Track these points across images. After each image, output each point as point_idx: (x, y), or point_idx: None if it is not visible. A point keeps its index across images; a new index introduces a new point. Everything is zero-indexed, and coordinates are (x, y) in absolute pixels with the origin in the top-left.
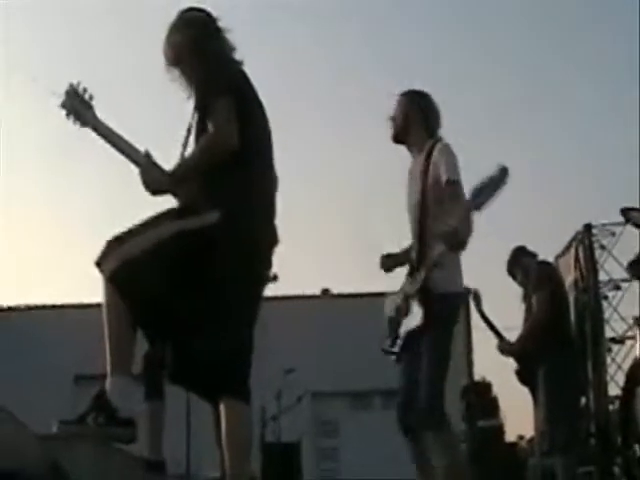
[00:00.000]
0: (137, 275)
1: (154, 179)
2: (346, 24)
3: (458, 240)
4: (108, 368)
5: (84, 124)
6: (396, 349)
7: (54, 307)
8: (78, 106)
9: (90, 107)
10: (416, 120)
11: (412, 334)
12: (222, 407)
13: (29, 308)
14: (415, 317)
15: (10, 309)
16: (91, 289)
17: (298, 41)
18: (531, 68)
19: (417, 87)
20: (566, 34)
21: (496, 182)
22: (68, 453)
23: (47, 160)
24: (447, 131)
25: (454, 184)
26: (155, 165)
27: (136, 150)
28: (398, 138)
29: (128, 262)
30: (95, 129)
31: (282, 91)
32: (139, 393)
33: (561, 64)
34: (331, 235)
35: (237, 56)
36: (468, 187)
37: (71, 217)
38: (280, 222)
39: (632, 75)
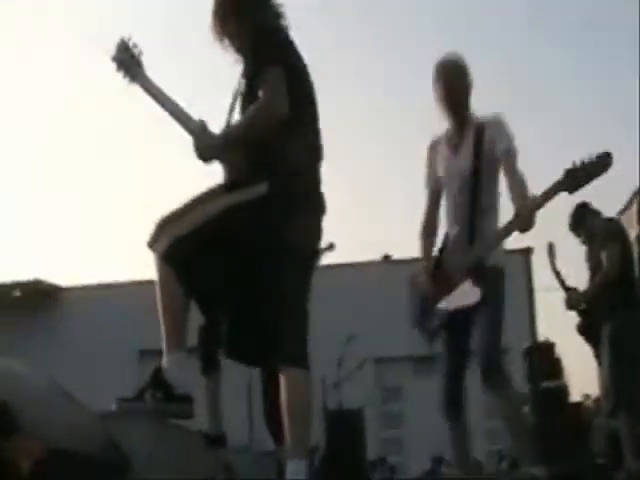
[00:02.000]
0: (189, 252)
1: (208, 146)
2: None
3: (531, 224)
4: (164, 345)
5: (133, 80)
6: (433, 326)
7: (119, 285)
8: (128, 61)
9: (140, 64)
10: (467, 92)
11: (457, 312)
12: (282, 376)
13: (94, 287)
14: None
15: (76, 288)
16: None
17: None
18: None
19: None
20: None
21: (598, 168)
22: (126, 430)
23: (100, 136)
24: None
25: (514, 157)
26: (208, 132)
27: (187, 114)
28: (459, 109)
29: (179, 240)
30: (144, 87)
31: None
32: (195, 368)
33: None
34: (390, 200)
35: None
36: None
37: (130, 192)
38: (340, 189)
39: None
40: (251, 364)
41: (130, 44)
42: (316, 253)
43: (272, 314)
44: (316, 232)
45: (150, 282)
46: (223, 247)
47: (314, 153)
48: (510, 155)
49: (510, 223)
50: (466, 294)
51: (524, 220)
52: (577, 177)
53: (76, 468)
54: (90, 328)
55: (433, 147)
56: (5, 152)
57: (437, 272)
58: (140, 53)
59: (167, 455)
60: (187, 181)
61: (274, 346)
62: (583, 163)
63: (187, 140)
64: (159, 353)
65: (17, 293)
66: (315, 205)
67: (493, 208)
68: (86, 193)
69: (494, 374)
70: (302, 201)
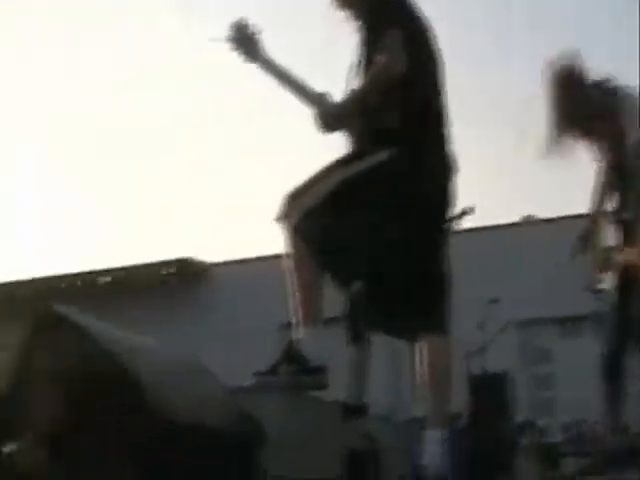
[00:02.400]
0: (319, 224)
1: (330, 116)
2: None
3: None
4: (299, 319)
5: (251, 60)
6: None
7: (259, 259)
8: (245, 41)
9: (257, 42)
10: None
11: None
12: (424, 343)
13: (235, 262)
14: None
15: (216, 264)
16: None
17: None
18: None
19: None
20: None
21: None
22: (260, 404)
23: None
24: None
25: None
26: (330, 103)
27: (308, 88)
28: None
29: (310, 213)
30: (263, 65)
31: None
32: (333, 339)
33: None
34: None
35: None
36: None
37: (266, 168)
38: (477, 156)
39: None
40: (392, 334)
41: (248, 23)
42: (447, 215)
43: (409, 281)
44: (448, 194)
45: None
46: (351, 217)
47: (436, 118)
48: None
49: None
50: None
51: None
52: None
53: (205, 442)
54: (235, 303)
55: None
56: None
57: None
58: (259, 32)
59: (301, 427)
60: (312, 155)
61: (413, 314)
62: None
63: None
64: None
65: (166, 271)
66: (443, 166)
67: None
68: (226, 170)
69: None
70: (430, 163)
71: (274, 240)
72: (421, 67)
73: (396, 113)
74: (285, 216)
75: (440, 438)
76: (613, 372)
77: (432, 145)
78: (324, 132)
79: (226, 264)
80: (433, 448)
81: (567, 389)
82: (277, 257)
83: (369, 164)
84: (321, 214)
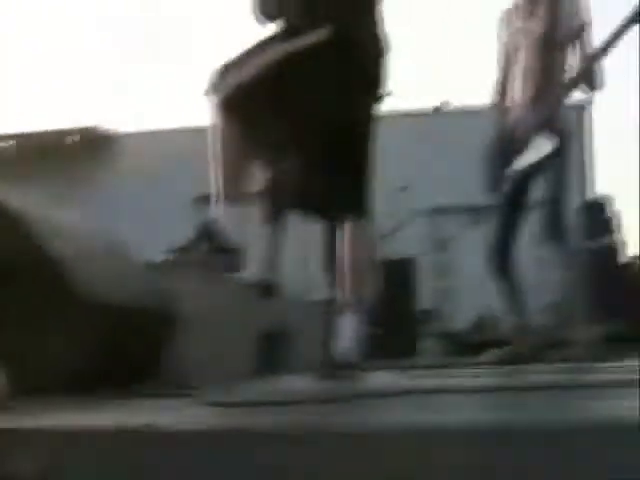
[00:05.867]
0: (250, 100)
1: (270, 5)
2: None
3: (593, 84)
4: (218, 195)
5: None
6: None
7: (174, 131)
8: None
9: None
10: None
11: (523, 172)
12: (346, 227)
13: (148, 133)
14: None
15: (130, 135)
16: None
17: None
18: None
19: None
20: None
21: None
22: (174, 281)
23: None
24: None
25: (588, 32)
26: None
27: None
28: None
29: (241, 87)
30: None
31: None
32: (252, 218)
33: None
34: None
35: None
36: None
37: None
38: (393, 36)
39: None
40: (315, 216)
41: None
42: (380, 98)
43: (338, 165)
44: (382, 70)
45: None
46: (285, 96)
47: None
48: (584, 29)
49: (574, 76)
50: (538, 148)
51: (586, 71)
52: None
53: (127, 320)
54: (143, 174)
55: (508, 12)
56: None
57: (509, 135)
58: None
59: (214, 306)
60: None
61: (341, 198)
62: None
63: None
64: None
65: (72, 139)
66: (378, 42)
67: (562, 70)
68: (139, 41)
69: (556, 225)
70: (365, 44)
71: (191, 113)
72: None
73: None
74: (215, 88)
75: (355, 323)
76: (499, 264)
77: (367, 21)
78: (263, 21)
79: (138, 135)
80: (348, 333)
81: (470, 278)
82: (193, 130)
83: (306, 41)
84: (253, 89)
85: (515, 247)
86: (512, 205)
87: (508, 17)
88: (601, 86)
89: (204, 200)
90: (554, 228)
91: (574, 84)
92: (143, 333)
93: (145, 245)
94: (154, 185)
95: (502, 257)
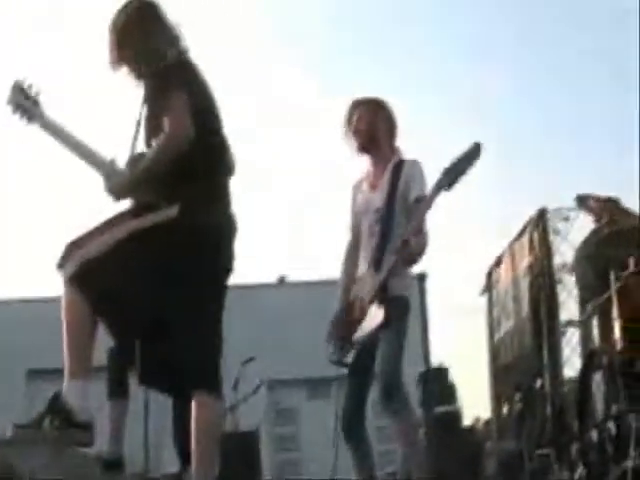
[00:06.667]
0: (98, 275)
1: (120, 186)
2: None
3: (410, 254)
4: (66, 371)
5: (31, 121)
6: (346, 359)
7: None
8: (25, 102)
9: (37, 104)
10: (384, 131)
11: (366, 338)
12: (195, 403)
13: None
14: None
15: None
16: (47, 284)
17: None
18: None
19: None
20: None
21: (469, 158)
22: (24, 457)
23: None
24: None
25: (423, 205)
26: (119, 171)
27: (95, 154)
28: (364, 148)
29: (88, 263)
30: (44, 127)
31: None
32: (98, 393)
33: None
34: (285, 224)
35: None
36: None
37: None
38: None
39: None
40: (164, 390)
41: (25, 85)
42: (228, 274)
43: (187, 340)
44: (229, 252)
45: (42, 300)
46: (133, 271)
47: (225, 170)
48: (418, 200)
49: (398, 249)
50: (372, 318)
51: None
52: (454, 172)
53: None
54: None
55: (356, 186)
56: None
57: (351, 306)
58: (37, 93)
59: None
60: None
61: (189, 373)
62: (457, 159)
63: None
64: (48, 373)
65: None
66: (228, 225)
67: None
68: None
69: (392, 395)
70: (214, 223)
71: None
72: (206, 124)
73: (184, 170)
74: (64, 263)
75: None
76: (351, 430)
77: (219, 202)
78: (115, 200)
79: None
80: None
81: (312, 449)
82: (37, 301)
83: (156, 220)
84: (100, 265)
85: (364, 413)
86: (356, 374)
87: (356, 190)
88: (418, 256)
89: (41, 372)
90: (391, 394)
91: (399, 254)
92: None
93: None
94: None
95: (354, 426)
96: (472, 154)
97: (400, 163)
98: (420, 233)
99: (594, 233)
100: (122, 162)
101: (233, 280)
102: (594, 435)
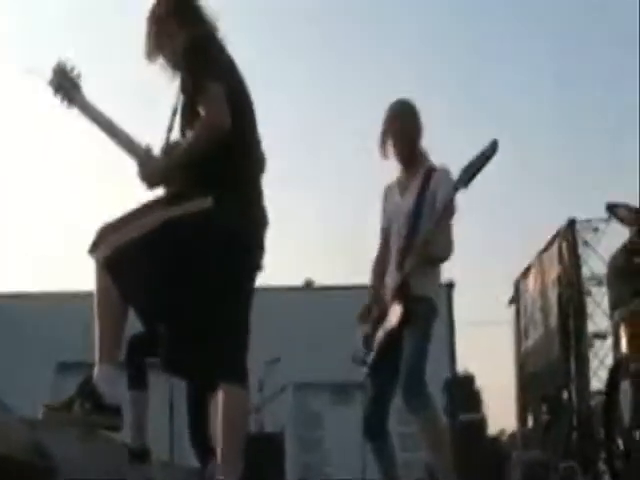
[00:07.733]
0: (129, 262)
1: (154, 173)
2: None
3: (432, 256)
4: (97, 355)
5: (71, 104)
6: (369, 360)
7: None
8: (66, 84)
9: (78, 87)
10: (419, 140)
11: (388, 337)
12: (221, 394)
13: (15, 296)
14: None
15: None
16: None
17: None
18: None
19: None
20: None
21: (487, 155)
22: (54, 439)
23: None
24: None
25: (448, 211)
26: (154, 159)
27: (131, 140)
28: (404, 160)
29: (120, 249)
30: (84, 110)
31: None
32: (125, 381)
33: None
34: (314, 227)
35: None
36: None
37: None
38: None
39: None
40: (189, 379)
41: (68, 67)
42: (257, 267)
43: (214, 329)
44: (259, 244)
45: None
46: (163, 260)
47: (257, 165)
48: (445, 208)
49: (418, 248)
50: (391, 315)
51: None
52: (471, 171)
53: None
54: (9, 339)
55: (388, 189)
56: None
57: (377, 307)
58: (79, 76)
59: (93, 466)
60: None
61: (216, 363)
62: (475, 157)
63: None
64: (76, 366)
65: None
66: (259, 219)
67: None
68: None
69: (414, 392)
70: (246, 215)
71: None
72: (242, 118)
73: (218, 162)
74: (95, 249)
75: None
76: (373, 432)
77: (252, 194)
78: (148, 188)
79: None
80: None
81: (336, 453)
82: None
83: (188, 210)
84: (131, 253)
85: (387, 415)
86: (379, 375)
87: (388, 193)
88: (438, 257)
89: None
90: (411, 393)
91: (418, 252)
92: None
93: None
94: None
95: (372, 425)
96: (489, 151)
97: (431, 169)
98: (442, 234)
99: (624, 247)
100: (156, 151)
101: (262, 282)
102: (620, 443)
